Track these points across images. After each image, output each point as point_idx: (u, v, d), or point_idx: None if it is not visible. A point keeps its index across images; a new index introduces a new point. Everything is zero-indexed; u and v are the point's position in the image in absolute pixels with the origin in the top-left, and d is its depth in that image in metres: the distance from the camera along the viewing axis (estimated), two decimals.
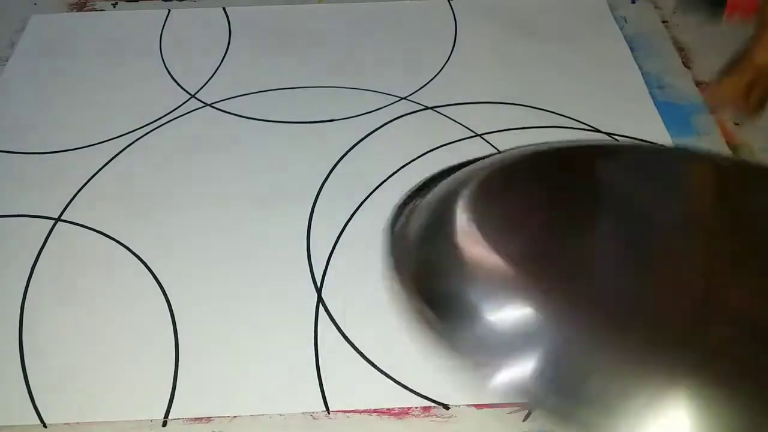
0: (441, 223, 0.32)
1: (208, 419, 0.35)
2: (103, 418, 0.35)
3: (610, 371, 0.25)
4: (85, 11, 0.61)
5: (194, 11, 0.61)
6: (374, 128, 0.50)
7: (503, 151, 0.42)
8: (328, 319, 0.39)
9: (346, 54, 0.56)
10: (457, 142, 0.48)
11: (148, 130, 0.50)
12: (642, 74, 0.53)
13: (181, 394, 0.36)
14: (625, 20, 0.58)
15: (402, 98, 0.52)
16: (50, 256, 0.42)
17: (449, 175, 0.37)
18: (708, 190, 0.36)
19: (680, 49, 0.56)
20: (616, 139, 0.48)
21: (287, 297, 0.40)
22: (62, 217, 0.44)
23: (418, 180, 0.45)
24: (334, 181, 0.46)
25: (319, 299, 0.40)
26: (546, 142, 0.40)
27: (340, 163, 0.47)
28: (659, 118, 0.49)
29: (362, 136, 0.49)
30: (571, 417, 0.24)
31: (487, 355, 0.26)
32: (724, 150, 0.47)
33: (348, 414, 0.35)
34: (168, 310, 0.40)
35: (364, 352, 0.38)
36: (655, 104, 0.51)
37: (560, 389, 0.25)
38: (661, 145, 0.47)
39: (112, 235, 0.43)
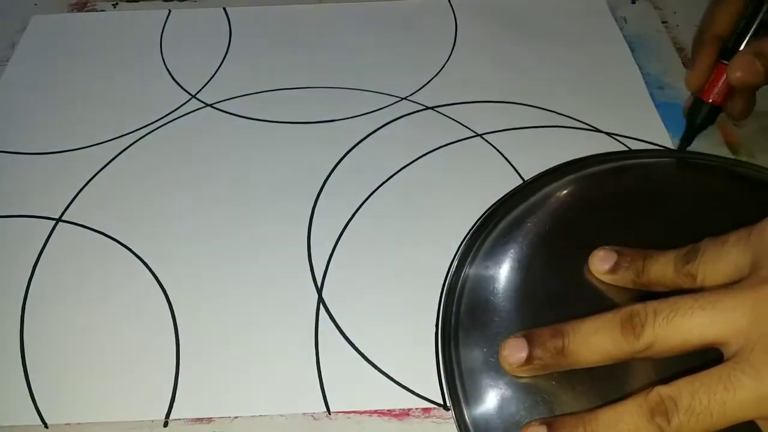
0: None
1: (209, 420, 0.35)
2: (104, 418, 0.35)
3: None
4: (85, 11, 0.61)
5: (194, 11, 0.61)
6: (374, 128, 0.50)
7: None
8: (329, 319, 0.39)
9: (346, 54, 0.56)
10: (458, 142, 0.48)
11: (148, 131, 0.50)
12: (642, 75, 0.53)
13: (182, 395, 0.36)
14: (625, 20, 0.58)
15: (402, 98, 0.52)
16: (51, 257, 0.42)
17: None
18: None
19: (680, 50, 0.56)
20: (616, 139, 0.48)
21: (288, 297, 0.40)
22: (63, 218, 0.44)
23: (420, 180, 0.46)
24: (334, 181, 0.46)
25: (320, 299, 0.40)
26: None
27: (340, 164, 0.47)
28: (659, 118, 0.50)
29: (362, 137, 0.49)
30: None
31: None
32: (724, 151, 0.47)
33: (349, 415, 0.35)
34: (169, 311, 0.40)
35: (364, 353, 0.38)
36: (655, 105, 0.51)
37: None
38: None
39: (113, 236, 0.43)
